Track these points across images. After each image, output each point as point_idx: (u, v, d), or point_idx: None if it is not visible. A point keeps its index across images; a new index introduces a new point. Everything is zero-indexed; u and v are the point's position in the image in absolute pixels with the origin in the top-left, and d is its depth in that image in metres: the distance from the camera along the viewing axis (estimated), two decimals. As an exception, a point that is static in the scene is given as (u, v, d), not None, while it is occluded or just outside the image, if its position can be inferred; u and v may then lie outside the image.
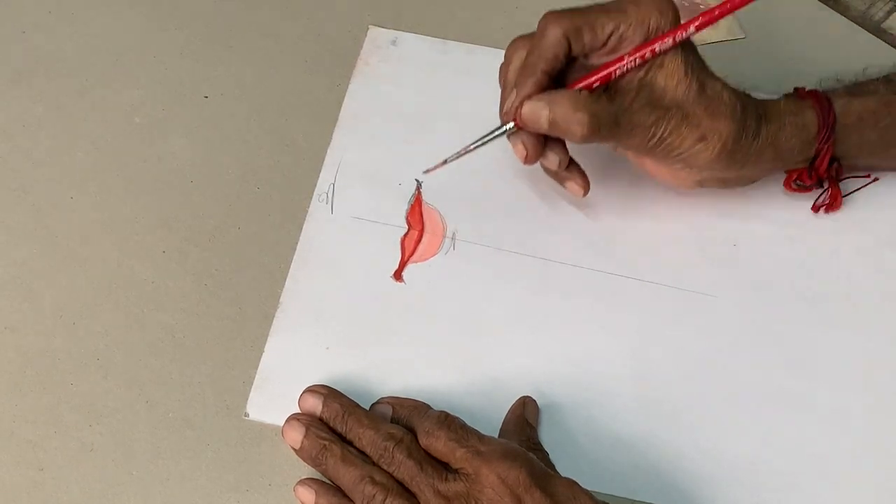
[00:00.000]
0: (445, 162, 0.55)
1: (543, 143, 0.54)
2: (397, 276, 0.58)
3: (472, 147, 0.54)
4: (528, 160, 0.54)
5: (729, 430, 0.54)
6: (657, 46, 0.51)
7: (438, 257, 0.59)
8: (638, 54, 0.51)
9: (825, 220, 0.60)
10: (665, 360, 0.56)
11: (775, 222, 0.60)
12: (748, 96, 0.55)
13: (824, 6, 0.69)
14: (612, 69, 0.52)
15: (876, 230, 0.60)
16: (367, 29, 0.67)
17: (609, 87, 0.53)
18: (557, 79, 0.53)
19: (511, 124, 0.53)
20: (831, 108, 0.55)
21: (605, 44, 0.52)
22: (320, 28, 0.68)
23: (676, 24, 0.51)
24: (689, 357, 0.56)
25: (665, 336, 0.56)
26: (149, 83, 0.65)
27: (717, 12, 0.51)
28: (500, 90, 0.55)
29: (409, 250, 0.59)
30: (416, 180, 0.61)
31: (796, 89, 0.58)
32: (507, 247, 0.59)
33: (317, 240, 0.59)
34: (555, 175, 0.57)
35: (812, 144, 0.56)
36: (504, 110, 0.53)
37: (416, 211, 0.60)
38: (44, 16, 0.68)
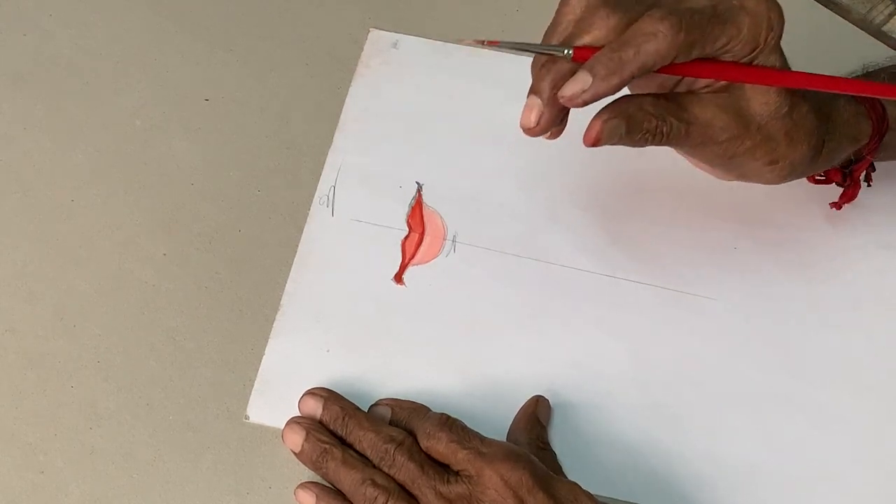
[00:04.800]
0: (484, 43, 0.47)
1: (558, 116, 0.46)
2: (398, 278, 0.58)
3: (518, 47, 0.46)
4: (535, 129, 0.46)
5: (729, 433, 0.54)
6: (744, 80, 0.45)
7: (439, 260, 0.59)
8: (723, 78, 0.46)
9: (825, 221, 0.60)
10: (665, 363, 0.56)
11: (776, 225, 0.60)
12: (818, 108, 0.50)
13: (825, 9, 0.69)
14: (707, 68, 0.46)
15: (876, 232, 0.60)
16: (369, 32, 0.67)
17: (676, 83, 0.48)
18: None
19: (570, 51, 0.44)
20: (885, 116, 0.52)
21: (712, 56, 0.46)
22: (321, 31, 0.68)
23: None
24: (690, 360, 0.56)
25: (665, 339, 0.56)
26: (150, 86, 0.65)
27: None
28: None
29: (409, 253, 0.59)
30: (417, 182, 0.61)
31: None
32: (507, 249, 0.59)
33: (318, 242, 0.59)
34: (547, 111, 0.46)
35: (859, 151, 0.53)
36: (560, 40, 0.45)
37: (416, 213, 0.60)
38: (45, 18, 0.68)
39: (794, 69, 0.54)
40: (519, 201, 0.60)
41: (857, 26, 0.68)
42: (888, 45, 0.67)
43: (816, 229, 0.60)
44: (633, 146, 0.47)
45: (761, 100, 0.47)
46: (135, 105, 0.64)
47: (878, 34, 0.68)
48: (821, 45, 0.67)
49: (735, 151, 0.48)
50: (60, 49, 0.66)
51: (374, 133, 0.63)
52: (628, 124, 0.46)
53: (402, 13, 0.68)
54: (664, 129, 0.46)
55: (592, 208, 0.60)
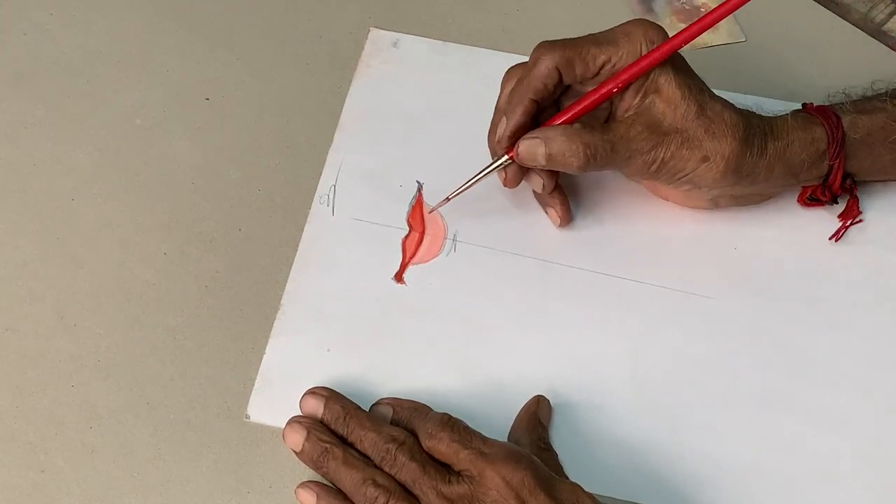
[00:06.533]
0: (448, 199, 0.58)
1: (524, 169, 0.56)
2: (398, 277, 0.58)
3: (471, 183, 0.57)
4: (508, 184, 0.56)
5: (729, 433, 0.54)
6: (618, 82, 0.53)
7: (439, 259, 0.59)
8: (605, 88, 0.53)
9: (825, 222, 0.60)
10: (665, 363, 0.56)
11: (775, 225, 0.60)
12: (752, 114, 0.56)
13: (825, 9, 0.69)
14: (587, 101, 0.54)
15: (875, 233, 0.60)
16: (369, 31, 0.67)
17: (609, 117, 0.55)
18: (554, 104, 0.55)
19: (506, 158, 0.55)
20: (840, 123, 0.55)
21: (597, 73, 0.54)
22: (322, 30, 0.68)
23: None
24: (690, 359, 0.56)
25: (665, 338, 0.56)
26: (150, 85, 0.65)
27: (661, 52, 0.52)
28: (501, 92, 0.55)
29: (410, 252, 0.59)
30: (417, 182, 0.61)
31: (804, 105, 0.58)
32: (507, 248, 0.59)
33: (318, 241, 0.59)
34: (538, 198, 0.59)
35: (823, 160, 0.56)
36: (497, 137, 0.55)
37: (417, 212, 0.60)
38: (45, 17, 0.68)
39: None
40: (519, 200, 0.60)
41: (857, 26, 0.68)
42: (888, 45, 0.67)
43: (816, 230, 0.60)
44: (574, 172, 0.54)
45: (670, 108, 0.53)
46: (135, 105, 0.64)
47: (878, 34, 0.68)
48: (821, 44, 0.67)
49: (663, 157, 0.54)
50: (60, 49, 0.66)
51: (375, 132, 0.63)
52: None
53: (402, 13, 0.68)
54: (590, 152, 0.53)
55: (593, 208, 0.60)
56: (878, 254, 0.59)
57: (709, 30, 0.53)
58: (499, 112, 0.56)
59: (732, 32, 0.67)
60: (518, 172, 0.56)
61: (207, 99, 0.65)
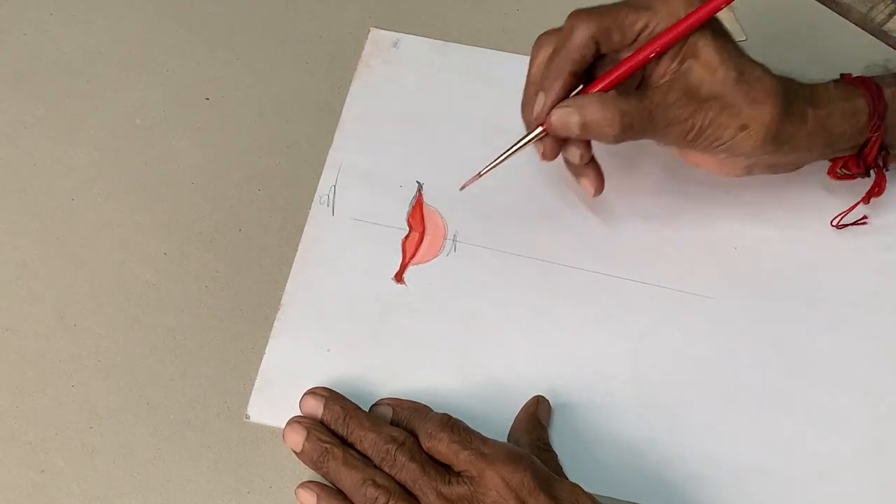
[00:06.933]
0: (480, 175, 0.55)
1: (562, 141, 0.54)
2: (398, 277, 0.58)
3: (504, 157, 0.54)
4: (546, 157, 0.54)
5: (729, 433, 0.54)
6: (657, 46, 0.51)
7: (439, 259, 0.59)
8: (643, 54, 0.51)
9: (825, 222, 0.60)
10: (666, 363, 0.56)
11: (775, 225, 0.60)
12: (793, 80, 0.53)
13: (825, 8, 0.69)
14: (623, 68, 0.51)
15: (875, 233, 0.60)
16: (369, 31, 0.67)
17: (642, 83, 0.53)
18: (587, 73, 0.53)
19: (540, 130, 0.53)
20: (881, 94, 0.54)
21: (635, 40, 0.52)
22: (322, 30, 0.68)
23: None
24: (690, 359, 0.56)
25: (666, 338, 0.56)
26: (150, 85, 0.65)
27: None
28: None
29: (410, 252, 0.59)
30: (417, 182, 0.61)
31: (842, 75, 0.56)
32: (508, 249, 0.59)
33: (318, 242, 0.59)
34: (573, 168, 0.56)
35: (863, 132, 0.54)
36: (534, 114, 0.53)
37: (417, 213, 0.60)
38: (45, 17, 0.68)
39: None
40: (519, 200, 0.60)
41: (857, 26, 0.68)
42: (888, 45, 0.67)
43: (816, 230, 0.60)
44: (609, 142, 0.52)
45: (708, 73, 0.51)
46: (135, 105, 0.64)
47: (878, 33, 0.68)
48: (821, 44, 0.67)
49: (701, 125, 0.51)
50: (60, 49, 0.66)
51: (375, 132, 0.63)
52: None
53: (402, 13, 0.68)
54: (627, 120, 0.51)
55: (593, 208, 0.60)
56: (878, 254, 0.59)
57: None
58: (532, 84, 0.54)
59: (733, 31, 0.67)
60: (555, 144, 0.53)
61: (207, 99, 0.65)
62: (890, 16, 0.69)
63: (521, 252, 0.59)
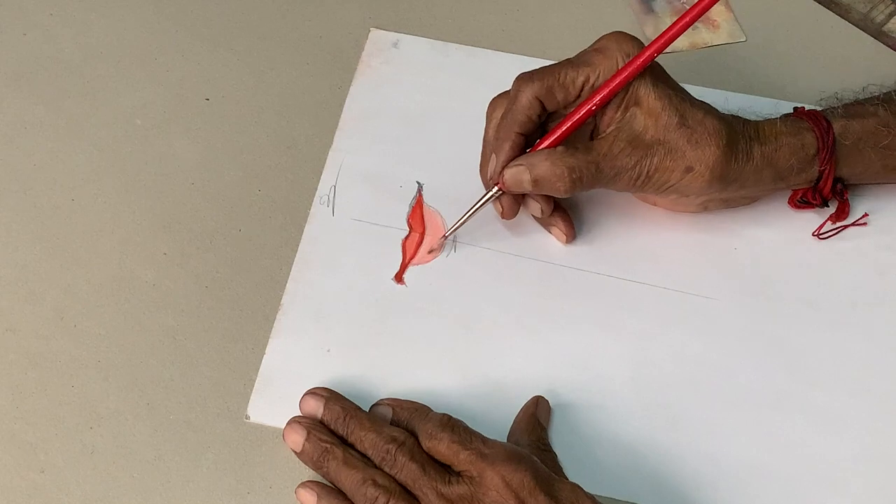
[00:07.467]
0: (445, 237, 0.58)
1: (520, 199, 0.56)
2: (398, 278, 0.58)
3: (465, 218, 0.57)
4: (505, 215, 0.57)
5: (729, 434, 0.54)
6: (596, 100, 0.53)
7: (439, 259, 0.59)
8: (584, 109, 0.53)
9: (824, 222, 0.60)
10: (665, 363, 0.56)
11: (775, 226, 0.60)
12: (736, 118, 0.55)
13: (825, 9, 0.69)
14: (567, 124, 0.54)
15: (875, 233, 0.60)
16: (369, 31, 0.67)
17: (595, 130, 0.55)
18: (540, 126, 0.55)
19: (496, 188, 0.55)
20: (830, 128, 0.55)
21: (579, 96, 0.54)
22: (322, 30, 0.68)
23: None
24: (690, 360, 0.56)
25: (665, 339, 0.56)
26: (150, 85, 0.65)
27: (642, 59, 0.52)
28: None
29: (410, 252, 0.59)
30: (418, 182, 0.61)
31: (795, 108, 0.58)
32: (507, 249, 0.59)
33: (318, 242, 0.59)
34: (540, 221, 0.59)
35: (813, 164, 0.56)
36: (489, 175, 0.56)
37: (417, 213, 0.60)
38: (45, 18, 0.68)
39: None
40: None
41: (857, 26, 0.68)
42: (888, 45, 0.67)
43: (816, 230, 0.60)
44: (561, 195, 0.55)
45: (650, 120, 0.53)
46: (135, 105, 0.64)
47: (878, 34, 0.68)
48: (821, 45, 0.67)
49: (648, 170, 0.54)
50: (60, 49, 0.66)
51: (375, 133, 0.63)
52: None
53: (402, 13, 0.68)
54: (575, 175, 0.53)
55: (593, 208, 0.60)
56: (877, 254, 0.59)
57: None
58: (487, 145, 0.57)
59: (733, 32, 0.67)
60: (514, 201, 0.56)
61: (207, 99, 0.65)
62: (890, 16, 0.69)
63: (521, 252, 0.59)
